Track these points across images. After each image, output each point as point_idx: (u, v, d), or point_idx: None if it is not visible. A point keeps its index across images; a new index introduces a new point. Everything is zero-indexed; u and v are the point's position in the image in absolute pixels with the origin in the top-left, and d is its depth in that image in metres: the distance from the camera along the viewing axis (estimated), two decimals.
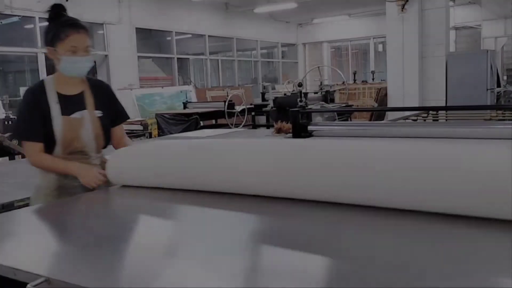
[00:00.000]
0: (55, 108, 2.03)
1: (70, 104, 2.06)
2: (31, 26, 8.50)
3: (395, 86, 8.26)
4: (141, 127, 6.47)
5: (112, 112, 2.20)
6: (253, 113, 9.70)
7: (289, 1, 11.51)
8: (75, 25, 2.01)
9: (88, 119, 2.08)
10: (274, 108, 8.43)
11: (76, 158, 2.08)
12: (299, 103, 8.22)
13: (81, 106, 2.08)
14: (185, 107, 9.04)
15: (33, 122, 2.01)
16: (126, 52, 9.93)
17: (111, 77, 9.61)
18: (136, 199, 1.89)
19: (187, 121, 7.30)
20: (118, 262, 1.18)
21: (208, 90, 10.98)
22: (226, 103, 8.15)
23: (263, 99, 9.69)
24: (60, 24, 2.01)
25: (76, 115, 2.06)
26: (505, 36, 12.21)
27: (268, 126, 8.79)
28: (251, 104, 9.79)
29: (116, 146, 2.25)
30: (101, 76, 9.84)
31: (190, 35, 11.92)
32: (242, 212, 1.60)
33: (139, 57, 10.36)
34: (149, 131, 6.49)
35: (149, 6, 10.44)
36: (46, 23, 2.08)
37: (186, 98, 9.72)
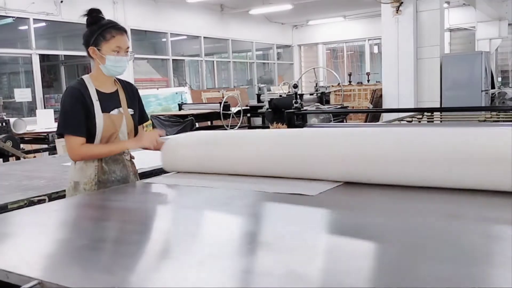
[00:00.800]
0: (96, 105, 2.16)
1: (109, 101, 2.21)
2: (26, 27, 8.45)
3: (390, 87, 8.28)
4: None
5: (139, 112, 2.38)
6: (248, 115, 9.69)
7: (285, 3, 11.51)
8: (119, 27, 2.19)
9: (124, 116, 2.25)
10: (269, 110, 8.43)
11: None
12: (295, 105, 8.24)
13: (117, 104, 2.25)
14: (180, 109, 9.02)
15: (76, 117, 2.12)
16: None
17: None
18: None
19: (183, 123, 7.29)
20: (114, 265, 1.17)
21: (204, 92, 10.97)
22: (222, 105, 8.14)
23: (259, 100, 9.68)
24: (104, 26, 2.16)
25: (114, 111, 2.22)
26: (499, 38, 12.26)
27: (263, 127, 8.79)
28: (246, 106, 9.79)
29: None
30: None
31: (185, 37, 11.90)
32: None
33: (134, 58, 10.33)
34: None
35: (144, 7, 10.42)
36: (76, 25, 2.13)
37: (182, 99, 9.71)
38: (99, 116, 2.15)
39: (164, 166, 2.34)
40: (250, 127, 9.74)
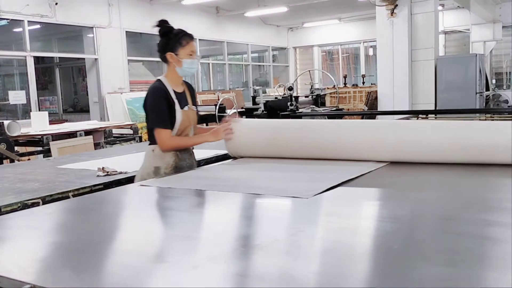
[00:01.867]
0: (176, 102, 2.53)
1: (181, 99, 2.59)
2: (20, 29, 8.42)
3: (385, 89, 8.29)
4: (131, 131, 6.42)
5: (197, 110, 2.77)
6: (244, 117, 9.69)
7: (280, 5, 11.53)
8: (191, 35, 2.59)
9: (192, 111, 2.65)
10: (265, 112, 8.42)
11: None
12: (290, 107, 8.25)
13: (186, 102, 2.63)
14: None
15: (164, 113, 2.49)
16: (116, 55, 9.88)
17: (101, 81, 9.56)
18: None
19: None
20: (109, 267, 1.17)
21: (199, 94, 10.95)
22: (217, 107, 8.13)
23: (254, 102, 9.67)
24: (180, 34, 2.55)
25: (186, 108, 2.60)
26: (493, 40, 12.32)
27: None
28: (242, 108, 9.77)
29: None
30: (91, 80, 9.79)
31: None
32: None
33: (129, 60, 10.31)
34: (139, 135, 6.44)
35: (140, 10, 10.41)
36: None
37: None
38: (179, 112, 2.53)
39: (230, 151, 2.74)
40: None
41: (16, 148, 5.25)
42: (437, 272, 1.02)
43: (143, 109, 2.58)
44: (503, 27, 12.20)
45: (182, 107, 2.56)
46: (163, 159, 2.54)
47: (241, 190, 1.92)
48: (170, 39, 2.55)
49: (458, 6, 11.86)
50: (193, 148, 2.74)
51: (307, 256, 1.19)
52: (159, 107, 2.50)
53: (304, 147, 2.57)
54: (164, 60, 2.58)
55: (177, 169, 2.56)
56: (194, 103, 2.72)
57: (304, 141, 2.57)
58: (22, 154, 5.25)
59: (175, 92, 2.57)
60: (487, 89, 10.40)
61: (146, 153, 2.62)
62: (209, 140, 2.62)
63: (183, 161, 2.60)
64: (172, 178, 2.30)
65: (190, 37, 2.57)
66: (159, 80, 2.59)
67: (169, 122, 2.51)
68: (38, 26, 8.96)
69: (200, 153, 2.96)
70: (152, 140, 2.58)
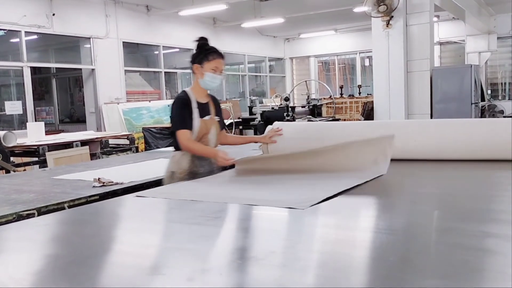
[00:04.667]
0: (195, 112, 2.77)
1: (204, 109, 2.82)
2: (17, 40, 8.43)
3: (381, 100, 8.31)
4: (127, 142, 6.41)
5: (221, 120, 2.99)
6: (240, 127, 9.70)
7: (277, 17, 11.60)
8: (220, 53, 2.83)
9: (213, 121, 2.86)
10: (261, 122, 8.44)
11: None
12: (286, 117, 8.27)
13: (209, 112, 2.85)
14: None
15: (184, 116, 2.74)
16: (113, 66, 9.90)
17: (98, 91, 9.56)
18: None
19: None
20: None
21: None
22: None
23: (251, 113, 9.70)
24: (209, 50, 2.80)
25: (207, 117, 2.82)
26: (488, 51, 12.40)
27: None
28: (238, 118, 9.80)
29: (223, 142, 3.05)
30: (87, 90, 9.79)
31: (177, 49, 11.93)
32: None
33: (126, 71, 10.33)
34: (136, 145, 6.44)
35: (137, 20, 10.45)
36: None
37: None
38: (196, 120, 2.75)
39: (265, 152, 3.08)
40: None
41: (12, 158, 5.23)
42: (433, 285, 1.02)
43: (170, 118, 2.87)
44: (498, 38, 12.30)
45: (202, 116, 2.78)
46: (179, 164, 2.75)
47: (238, 201, 1.92)
48: (201, 53, 2.79)
49: (453, 18, 11.96)
50: None
51: (303, 269, 1.19)
52: (180, 112, 2.74)
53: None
54: (192, 70, 2.82)
55: (192, 174, 2.72)
56: (219, 114, 2.95)
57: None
58: (18, 165, 5.23)
59: (198, 102, 2.79)
60: (483, 99, 10.45)
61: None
62: (211, 157, 2.76)
63: (201, 167, 2.77)
64: (168, 188, 2.30)
65: (218, 54, 2.80)
66: (184, 91, 2.84)
67: (187, 123, 2.72)
68: (35, 36, 8.98)
69: None
70: (175, 146, 2.83)
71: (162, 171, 2.85)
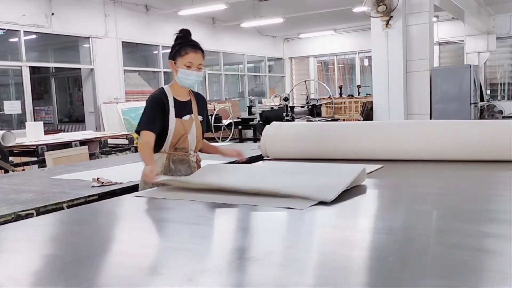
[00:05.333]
0: (172, 111, 2.55)
1: (183, 108, 2.60)
2: (16, 39, 8.43)
3: (380, 100, 8.32)
4: (126, 141, 6.41)
5: (205, 120, 2.76)
6: (240, 127, 9.70)
7: (276, 16, 11.60)
8: (195, 46, 2.57)
9: (194, 121, 2.63)
10: (261, 122, 8.44)
11: (179, 154, 2.60)
12: (286, 117, 8.27)
13: (190, 111, 2.63)
14: None
15: (152, 117, 2.51)
16: (112, 65, 9.90)
17: (97, 91, 9.56)
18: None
19: None
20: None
21: None
22: (213, 117, 8.14)
23: (250, 112, 9.70)
24: (182, 43, 2.56)
25: (186, 117, 2.60)
26: (487, 51, 12.41)
27: (255, 139, 8.80)
28: (238, 118, 9.80)
29: (207, 144, 2.87)
30: (86, 90, 9.79)
31: None
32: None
33: (125, 70, 10.33)
34: (135, 145, 6.43)
35: (136, 20, 10.45)
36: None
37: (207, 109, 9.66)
38: (172, 120, 2.54)
39: (264, 152, 3.19)
40: (242, 139, 9.74)
41: (10, 158, 5.23)
42: (432, 285, 1.02)
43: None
44: (497, 38, 12.31)
45: (180, 116, 2.56)
46: (157, 162, 2.51)
47: (237, 201, 1.91)
48: (174, 48, 2.58)
49: (452, 18, 11.97)
50: (199, 161, 2.70)
51: (302, 269, 1.19)
52: (148, 112, 2.53)
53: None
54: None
55: (170, 173, 2.53)
56: (202, 113, 2.72)
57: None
58: (17, 165, 5.23)
59: (176, 100, 2.58)
60: (482, 99, 10.46)
61: None
62: (146, 166, 2.38)
63: (177, 172, 2.56)
64: (167, 189, 2.28)
65: (193, 48, 2.55)
66: (162, 88, 2.64)
67: (152, 125, 2.49)
68: (34, 36, 8.97)
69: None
70: None
71: None
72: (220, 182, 2.13)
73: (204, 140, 2.80)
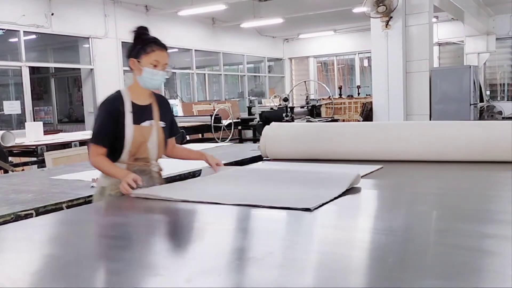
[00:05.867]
0: (128, 117, 2.26)
1: (142, 113, 2.31)
2: (16, 39, 8.42)
3: (380, 101, 8.32)
4: None
5: (170, 124, 2.46)
6: (239, 127, 9.69)
7: (276, 17, 11.60)
8: (160, 44, 2.33)
9: (155, 128, 2.34)
10: (260, 122, 8.44)
11: (140, 164, 2.32)
12: (285, 117, 8.27)
13: (150, 116, 2.34)
14: None
15: (104, 128, 2.25)
16: (112, 65, 9.89)
17: (97, 91, 9.55)
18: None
19: None
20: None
21: (195, 104, 10.96)
22: (213, 117, 8.14)
23: (250, 113, 9.70)
24: (147, 40, 2.32)
25: (146, 123, 2.31)
26: (487, 52, 12.41)
27: (254, 140, 8.79)
28: (237, 118, 9.79)
29: (168, 154, 2.52)
30: (86, 90, 9.78)
31: (176, 49, 11.93)
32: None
33: (125, 71, 10.32)
34: None
35: (136, 20, 10.43)
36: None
37: (172, 112, 9.67)
38: (129, 127, 2.25)
39: (263, 153, 3.25)
40: (241, 139, 9.74)
41: (10, 158, 5.22)
42: (432, 285, 1.02)
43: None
44: (497, 39, 12.31)
45: (139, 122, 2.28)
46: (111, 179, 2.26)
47: (236, 201, 1.90)
48: (137, 44, 2.32)
49: (452, 18, 11.97)
50: (160, 170, 2.44)
51: (302, 270, 1.19)
52: (100, 122, 2.26)
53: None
54: (129, 66, 2.34)
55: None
56: (165, 118, 2.41)
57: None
58: (16, 165, 5.22)
59: (134, 105, 2.30)
60: (481, 100, 10.46)
61: None
62: (116, 177, 2.20)
63: (138, 185, 2.19)
64: (164, 188, 2.26)
65: (159, 45, 2.32)
66: (118, 91, 2.34)
67: (104, 138, 2.24)
68: (33, 36, 8.96)
69: (193, 164, 2.94)
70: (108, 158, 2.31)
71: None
72: (201, 194, 2.04)
73: (179, 145, 2.60)
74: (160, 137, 2.36)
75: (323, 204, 1.76)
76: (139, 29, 2.37)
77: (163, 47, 2.33)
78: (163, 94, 10.59)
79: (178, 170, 2.95)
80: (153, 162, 2.37)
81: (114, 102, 2.28)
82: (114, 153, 2.27)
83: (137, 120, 2.28)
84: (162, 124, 2.38)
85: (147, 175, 2.32)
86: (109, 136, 2.24)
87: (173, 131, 2.52)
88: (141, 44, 2.31)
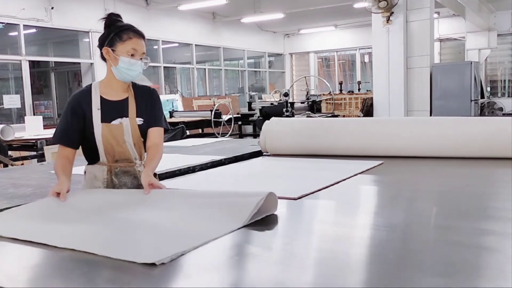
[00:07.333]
0: (96, 115, 2.04)
1: (112, 110, 2.06)
2: (16, 33, 8.40)
3: (381, 96, 8.31)
4: None
5: (151, 117, 2.13)
6: (239, 122, 9.69)
7: (276, 12, 11.56)
8: (137, 31, 2.07)
9: (128, 126, 2.06)
10: (260, 118, 8.44)
11: (123, 165, 2.10)
12: (285, 113, 8.26)
13: (123, 113, 2.07)
14: (171, 116, 9.00)
15: (66, 127, 2.05)
16: None
17: None
18: None
19: (173, 130, 7.25)
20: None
21: (195, 99, 10.95)
22: (213, 112, 8.13)
23: (250, 108, 9.69)
24: (121, 28, 2.06)
25: (116, 122, 2.05)
26: (488, 48, 12.39)
27: (254, 135, 8.79)
28: (237, 113, 9.78)
29: (147, 148, 2.11)
30: (86, 85, 9.76)
31: (177, 44, 11.90)
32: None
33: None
34: None
35: (136, 15, 10.40)
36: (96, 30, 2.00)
37: (173, 107, 9.69)
38: (98, 126, 2.03)
39: (263, 148, 3.29)
40: (241, 135, 9.74)
41: (9, 152, 5.22)
42: (432, 283, 1.01)
43: None
44: (498, 35, 12.29)
45: (108, 120, 2.04)
46: (93, 184, 2.11)
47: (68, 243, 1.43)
48: (111, 32, 2.06)
49: (453, 14, 11.94)
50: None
51: (301, 266, 1.18)
52: (64, 121, 2.06)
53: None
54: (102, 57, 2.09)
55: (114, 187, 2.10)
56: (143, 114, 2.10)
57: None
58: (16, 159, 5.22)
59: (104, 100, 2.07)
60: (482, 96, 10.44)
61: None
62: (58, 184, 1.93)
63: (121, 186, 2.09)
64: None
65: (135, 32, 2.06)
66: (88, 85, 2.12)
67: (68, 138, 2.04)
68: (33, 30, 8.94)
69: (196, 159, 2.95)
70: (86, 157, 2.16)
71: (161, 166, 2.79)
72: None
73: (155, 147, 2.08)
74: (136, 135, 2.08)
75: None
76: (110, 16, 2.11)
77: (141, 34, 2.07)
78: (162, 89, 10.34)
79: (177, 165, 2.95)
80: (137, 162, 2.11)
81: (79, 99, 2.06)
82: (92, 155, 2.11)
83: (106, 118, 2.04)
84: (139, 121, 2.08)
85: (131, 175, 2.10)
86: (75, 135, 2.04)
87: (151, 123, 2.11)
88: (116, 31, 2.05)
